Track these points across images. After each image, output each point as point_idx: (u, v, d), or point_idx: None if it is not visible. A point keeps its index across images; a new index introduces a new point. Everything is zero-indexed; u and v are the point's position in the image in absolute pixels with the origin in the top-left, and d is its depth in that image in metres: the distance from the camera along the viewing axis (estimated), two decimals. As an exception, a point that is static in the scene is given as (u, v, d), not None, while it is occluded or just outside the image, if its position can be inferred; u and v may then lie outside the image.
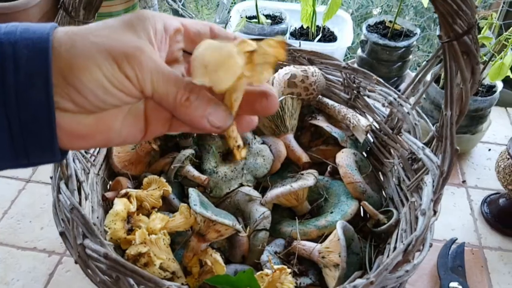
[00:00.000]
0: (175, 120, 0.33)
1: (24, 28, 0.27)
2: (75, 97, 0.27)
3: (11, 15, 1.12)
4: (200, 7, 2.72)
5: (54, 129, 0.27)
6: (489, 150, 1.04)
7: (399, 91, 1.26)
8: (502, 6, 1.72)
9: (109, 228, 0.57)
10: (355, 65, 1.25)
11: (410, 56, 1.20)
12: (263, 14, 1.23)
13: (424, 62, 0.62)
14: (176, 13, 1.47)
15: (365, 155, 0.75)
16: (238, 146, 0.33)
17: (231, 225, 0.55)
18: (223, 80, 0.28)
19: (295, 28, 1.23)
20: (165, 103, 0.29)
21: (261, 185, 0.71)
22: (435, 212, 0.56)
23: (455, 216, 0.90)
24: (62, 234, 0.54)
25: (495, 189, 0.94)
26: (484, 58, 0.91)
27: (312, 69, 0.75)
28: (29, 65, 0.26)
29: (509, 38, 0.85)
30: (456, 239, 0.83)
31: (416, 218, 0.57)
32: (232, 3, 2.24)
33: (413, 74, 1.29)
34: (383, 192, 0.71)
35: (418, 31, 1.18)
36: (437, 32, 1.10)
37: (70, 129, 0.28)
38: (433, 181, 0.57)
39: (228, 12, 2.11)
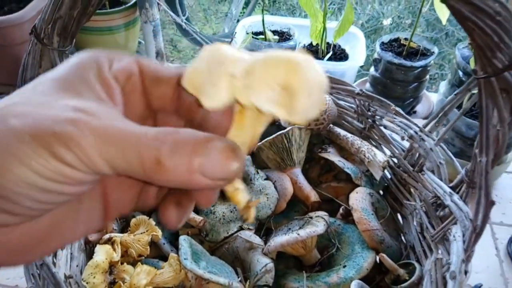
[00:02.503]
0: (146, 189, 0.24)
1: None
2: (5, 206, 0.19)
3: (4, 29, 1.07)
4: (209, 16, 2.68)
5: None
6: (515, 181, 0.96)
7: (414, 112, 1.19)
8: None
9: (87, 283, 0.49)
10: (367, 85, 1.18)
11: (427, 76, 1.12)
12: (270, 30, 1.16)
13: (452, 95, 0.54)
14: (179, 27, 1.41)
15: (381, 193, 0.67)
16: (248, 208, 0.23)
17: (227, 284, 0.47)
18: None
19: (304, 45, 1.16)
20: (135, 175, 0.20)
21: (264, 227, 0.63)
22: (466, 273, 0.48)
23: (479, 257, 0.81)
24: (32, 291, 0.47)
25: (523, 226, 0.86)
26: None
27: (322, 96, 0.67)
28: None
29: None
30: (481, 285, 0.75)
31: (444, 278, 0.49)
32: (240, 13, 2.19)
33: (429, 94, 1.22)
34: (402, 237, 0.63)
35: (435, 49, 1.10)
36: (457, 51, 1.02)
37: (9, 244, 0.21)
38: (463, 235, 0.49)
39: (237, 21, 2.06)
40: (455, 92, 0.53)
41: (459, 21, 0.39)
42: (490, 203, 0.46)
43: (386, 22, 2.21)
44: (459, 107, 0.93)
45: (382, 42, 1.14)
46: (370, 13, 2.21)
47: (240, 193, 0.23)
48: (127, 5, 1.15)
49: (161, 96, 0.24)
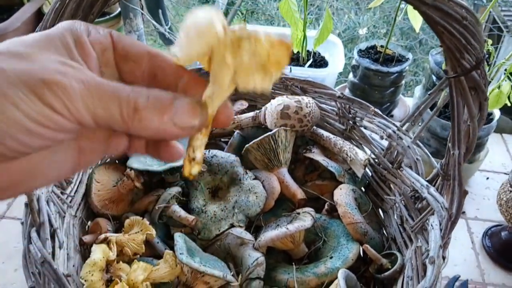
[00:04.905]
0: (115, 137, 0.26)
1: None
2: None
3: (-12, 40, 1.07)
4: (188, 27, 2.70)
5: None
6: (487, 178, 1.01)
7: (391, 116, 1.24)
8: (484, 29, 1.73)
9: (85, 280, 0.51)
10: (347, 90, 1.23)
11: (403, 81, 1.17)
12: (253, 39, 1.19)
13: (427, 95, 0.58)
14: (162, 36, 1.43)
15: (363, 189, 0.71)
16: (193, 159, 0.26)
17: (221, 276, 0.50)
18: (192, 46, 0.23)
19: (286, 52, 1.20)
20: (114, 125, 0.23)
21: (254, 224, 0.66)
22: (443, 258, 0.52)
23: (457, 250, 0.86)
24: (32, 289, 0.48)
25: (496, 220, 0.91)
26: (481, 85, 0.89)
27: (306, 99, 0.71)
28: None
29: (506, 66, 0.83)
30: (459, 276, 0.79)
31: (423, 265, 0.52)
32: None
33: (405, 99, 1.28)
34: (383, 230, 0.66)
35: (410, 56, 1.16)
36: (430, 57, 1.07)
37: None
38: (440, 224, 0.53)
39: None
40: (428, 93, 0.57)
41: (430, 25, 0.43)
42: (464, 193, 0.49)
43: (362, 31, 2.27)
44: (433, 108, 0.98)
45: (360, 50, 1.19)
46: (347, 22, 2.27)
47: (191, 148, 0.26)
48: (111, 15, 1.18)
49: (131, 71, 0.26)
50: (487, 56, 0.46)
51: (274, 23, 2.32)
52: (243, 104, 0.78)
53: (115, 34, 0.26)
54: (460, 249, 0.87)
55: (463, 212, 0.93)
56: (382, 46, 1.17)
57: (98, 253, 0.53)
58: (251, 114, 0.74)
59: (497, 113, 0.91)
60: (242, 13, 2.41)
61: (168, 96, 0.24)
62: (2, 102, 0.20)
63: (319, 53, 1.20)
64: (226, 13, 2.20)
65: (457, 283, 0.78)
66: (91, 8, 0.40)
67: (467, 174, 0.99)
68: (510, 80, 0.82)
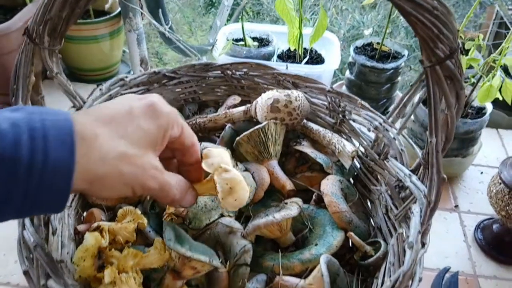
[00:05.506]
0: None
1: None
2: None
3: (-8, 40, 1.10)
4: (194, 29, 2.73)
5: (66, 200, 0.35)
6: (481, 173, 1.02)
7: (387, 112, 1.25)
8: (492, 27, 1.73)
9: (77, 266, 0.53)
10: (344, 87, 1.24)
11: (399, 78, 1.18)
12: (250, 37, 1.21)
13: (409, 87, 0.60)
14: (163, 36, 1.46)
15: (352, 181, 0.72)
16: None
17: (208, 261, 0.51)
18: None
19: (283, 50, 1.22)
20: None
21: (244, 215, 0.68)
22: (423, 245, 0.53)
23: (448, 243, 0.87)
24: (26, 273, 0.51)
25: (489, 214, 0.92)
26: (473, 79, 0.90)
27: (295, 93, 0.73)
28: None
29: (497, 60, 0.84)
30: (450, 268, 0.80)
31: (404, 250, 0.53)
32: (225, 25, 2.25)
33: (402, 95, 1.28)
34: (371, 220, 0.68)
35: (405, 52, 1.17)
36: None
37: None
38: (421, 211, 0.54)
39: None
40: (411, 84, 0.59)
41: (404, 16, 0.44)
42: (442, 180, 0.51)
43: (367, 32, 2.27)
44: (426, 103, 0.99)
45: (356, 47, 1.20)
46: (351, 22, 2.28)
47: None
48: (111, 15, 1.20)
49: (175, 149, 0.45)
50: (461, 46, 0.47)
51: (278, 23, 2.34)
52: (236, 99, 0.80)
53: (184, 129, 0.43)
54: (452, 242, 0.87)
55: (456, 206, 0.94)
56: (378, 43, 1.18)
57: (91, 239, 0.55)
58: (243, 108, 0.76)
59: (489, 107, 0.92)
60: (247, 13, 2.44)
61: (188, 189, 0.45)
62: (113, 193, 0.38)
63: (316, 50, 1.21)
64: (231, 15, 2.22)
65: (447, 275, 0.79)
66: (77, 3, 0.42)
67: (461, 168, 0.99)
68: (503, 75, 0.83)
